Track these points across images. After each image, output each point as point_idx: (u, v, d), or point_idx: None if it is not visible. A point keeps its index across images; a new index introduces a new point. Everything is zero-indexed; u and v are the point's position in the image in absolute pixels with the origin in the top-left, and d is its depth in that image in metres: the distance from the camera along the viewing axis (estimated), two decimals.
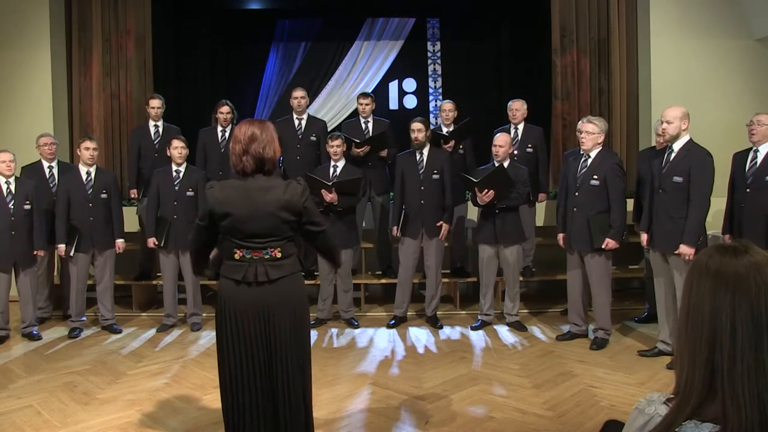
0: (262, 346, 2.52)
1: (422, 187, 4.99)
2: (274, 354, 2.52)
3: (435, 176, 4.99)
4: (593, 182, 4.40)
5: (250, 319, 2.50)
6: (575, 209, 4.47)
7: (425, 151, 5.04)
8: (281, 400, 2.54)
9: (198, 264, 2.74)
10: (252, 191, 2.48)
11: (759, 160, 4.26)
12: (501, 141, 4.90)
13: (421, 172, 5.01)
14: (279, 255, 2.52)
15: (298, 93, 5.67)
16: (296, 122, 5.66)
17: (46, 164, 5.27)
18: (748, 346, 1.06)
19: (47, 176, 5.25)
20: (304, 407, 2.60)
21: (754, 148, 4.30)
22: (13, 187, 4.78)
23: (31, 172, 5.20)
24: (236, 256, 2.52)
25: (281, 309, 2.52)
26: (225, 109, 5.56)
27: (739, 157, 4.42)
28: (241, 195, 2.48)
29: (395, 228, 5.08)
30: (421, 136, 5.01)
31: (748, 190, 4.27)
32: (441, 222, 4.99)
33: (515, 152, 5.20)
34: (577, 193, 4.47)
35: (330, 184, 4.83)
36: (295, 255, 2.60)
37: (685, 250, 3.91)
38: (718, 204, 4.58)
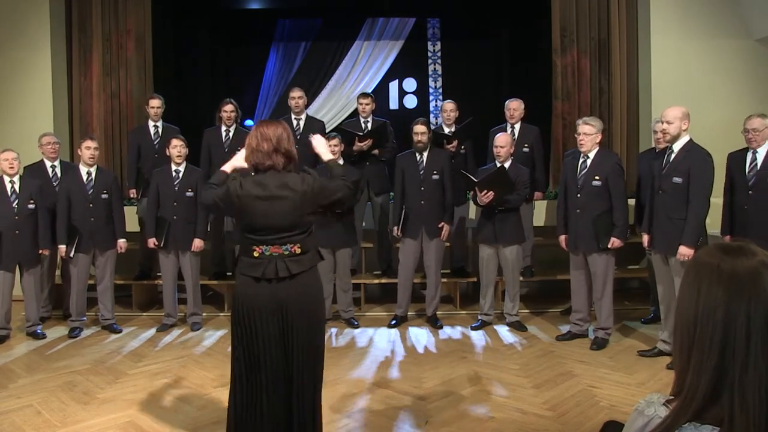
0: (279, 342, 2.55)
1: (422, 188, 4.99)
2: (291, 350, 2.55)
3: (435, 177, 4.99)
4: (595, 183, 4.40)
5: (269, 316, 2.54)
6: (578, 210, 4.47)
7: (425, 152, 5.05)
8: (295, 398, 2.57)
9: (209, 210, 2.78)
10: (270, 186, 2.55)
11: (759, 161, 4.24)
12: (502, 141, 4.90)
13: (421, 172, 5.01)
14: (299, 251, 2.57)
15: (296, 93, 5.66)
16: (294, 122, 5.65)
17: (48, 164, 5.28)
18: (762, 353, 1.04)
19: (50, 175, 5.25)
20: (313, 405, 2.64)
21: (752, 149, 4.29)
22: (17, 187, 4.79)
23: (34, 172, 5.20)
24: (255, 254, 2.56)
25: (300, 305, 2.56)
26: (229, 107, 5.55)
27: (737, 158, 4.39)
28: (260, 190, 2.54)
29: (396, 228, 5.09)
30: (424, 138, 5.02)
31: (750, 192, 4.25)
32: (442, 223, 4.99)
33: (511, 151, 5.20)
34: (579, 195, 4.47)
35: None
36: (314, 249, 2.65)
37: (684, 250, 3.90)
38: (718, 204, 4.57)
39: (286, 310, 2.54)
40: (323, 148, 2.84)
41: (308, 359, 2.58)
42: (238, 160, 2.72)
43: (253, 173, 2.61)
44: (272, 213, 2.52)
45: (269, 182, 2.55)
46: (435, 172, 5.00)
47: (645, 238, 4.27)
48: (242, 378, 2.58)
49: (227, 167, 2.73)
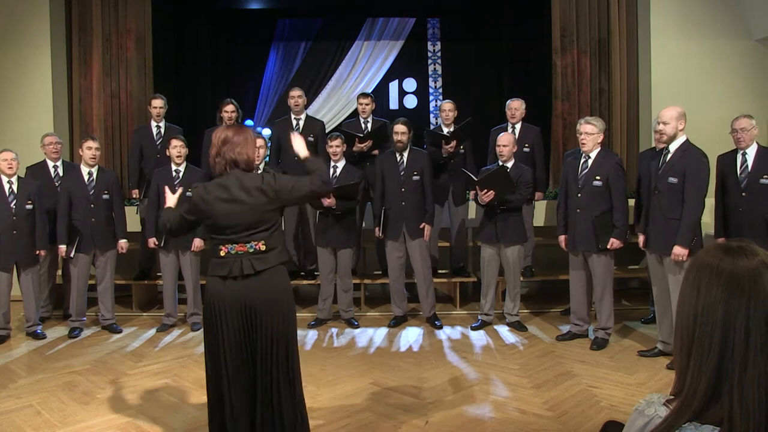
0: (247, 340, 2.60)
1: (402, 189, 4.97)
2: (259, 346, 2.60)
3: (415, 177, 4.97)
4: (596, 183, 4.40)
5: (236, 313, 2.59)
6: (578, 210, 4.47)
7: (405, 153, 5.03)
8: (260, 395, 2.60)
9: (171, 234, 2.88)
10: (230, 186, 2.62)
11: (750, 162, 4.27)
12: (505, 141, 4.89)
13: (401, 173, 4.99)
14: (263, 248, 2.62)
15: (296, 92, 5.66)
16: (294, 122, 5.65)
17: (51, 164, 5.27)
18: (761, 352, 1.05)
19: (52, 175, 5.25)
20: (291, 402, 2.65)
21: (741, 151, 4.31)
22: (15, 187, 4.79)
23: (36, 172, 5.21)
24: (222, 253, 2.62)
25: (267, 302, 2.60)
26: (230, 108, 5.56)
27: (727, 160, 4.41)
28: (221, 191, 2.62)
29: (377, 229, 5.07)
30: (404, 138, 5.00)
31: (744, 194, 4.27)
32: (423, 224, 4.98)
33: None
34: (579, 195, 4.47)
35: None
36: (280, 247, 2.70)
37: (678, 251, 3.89)
38: (713, 205, 4.58)
39: (251, 307, 2.59)
40: (300, 146, 2.92)
41: (277, 357, 2.61)
42: (171, 198, 2.92)
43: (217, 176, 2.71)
44: (234, 213, 2.59)
45: (230, 184, 2.62)
46: (415, 172, 4.97)
47: (641, 238, 4.28)
48: (211, 375, 2.64)
49: (170, 203, 2.91)
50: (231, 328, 2.58)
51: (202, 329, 5.02)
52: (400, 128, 5.01)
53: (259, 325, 2.59)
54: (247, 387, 2.61)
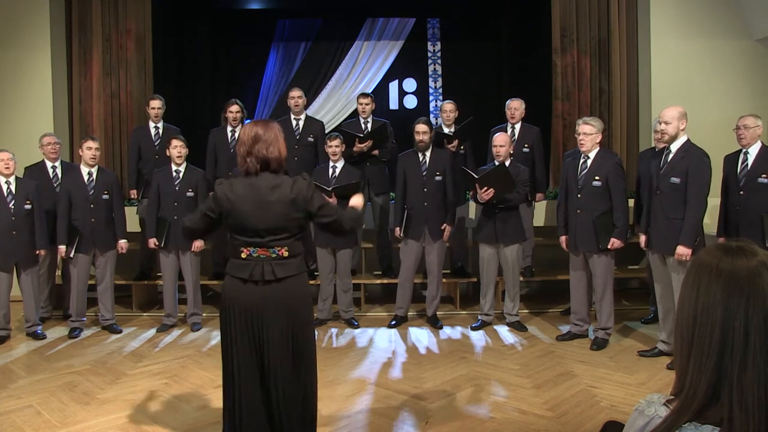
0: (261, 344, 2.56)
1: (425, 189, 4.96)
2: (271, 353, 2.55)
3: (438, 177, 4.97)
4: (595, 183, 4.40)
5: (254, 318, 2.54)
6: (578, 211, 4.47)
7: (428, 152, 5.02)
8: (275, 401, 2.57)
9: (191, 236, 2.85)
10: (260, 189, 2.53)
11: (750, 162, 4.30)
12: (501, 141, 4.90)
13: (424, 173, 4.98)
14: (286, 254, 2.56)
15: (295, 93, 5.66)
16: (294, 123, 5.65)
17: (49, 164, 5.27)
18: (760, 352, 1.05)
19: (51, 176, 5.25)
20: (302, 410, 2.61)
21: (744, 150, 4.34)
22: (13, 187, 4.79)
23: (34, 172, 5.20)
24: (243, 255, 2.56)
25: (284, 309, 2.55)
26: (234, 108, 5.56)
27: (730, 160, 4.45)
28: (250, 192, 2.53)
29: (398, 229, 5.07)
30: (426, 138, 4.99)
31: (741, 192, 4.30)
32: (444, 224, 4.98)
33: (511, 151, 5.21)
34: (579, 195, 4.47)
35: (329, 189, 4.80)
36: (302, 255, 2.64)
37: (682, 250, 3.90)
38: (717, 205, 4.59)
39: (270, 313, 2.53)
40: (356, 201, 2.84)
41: (290, 365, 2.56)
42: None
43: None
44: (261, 216, 2.51)
45: (261, 185, 2.53)
46: (438, 173, 4.97)
47: (642, 238, 4.28)
48: (231, 379, 2.60)
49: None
50: (246, 330, 2.54)
51: (201, 329, 5.08)
52: (421, 128, 4.99)
53: (274, 331, 2.53)
54: (260, 390, 2.57)
